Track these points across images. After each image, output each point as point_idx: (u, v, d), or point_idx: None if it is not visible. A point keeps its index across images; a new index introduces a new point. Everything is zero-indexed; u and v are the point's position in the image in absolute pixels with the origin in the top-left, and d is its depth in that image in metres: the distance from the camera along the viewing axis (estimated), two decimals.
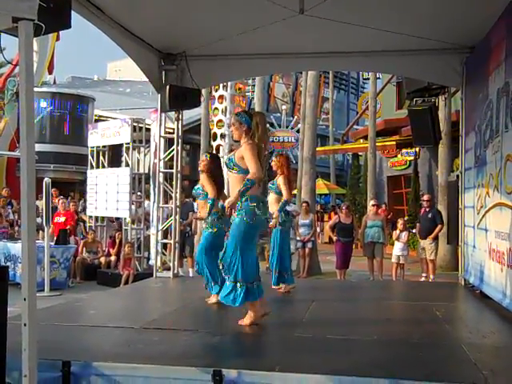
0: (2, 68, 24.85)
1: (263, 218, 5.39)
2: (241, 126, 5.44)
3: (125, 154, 13.52)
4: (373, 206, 12.72)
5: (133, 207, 13.14)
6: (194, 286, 7.61)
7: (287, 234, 7.84)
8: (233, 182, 5.39)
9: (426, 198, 12.71)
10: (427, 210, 12.35)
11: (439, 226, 12.00)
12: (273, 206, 7.45)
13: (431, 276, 11.92)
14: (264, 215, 5.39)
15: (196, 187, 7.06)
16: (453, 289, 8.66)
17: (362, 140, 25.78)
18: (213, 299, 6.73)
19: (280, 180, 7.40)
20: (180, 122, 9.45)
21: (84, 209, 15.46)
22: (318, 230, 24.13)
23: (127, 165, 13.42)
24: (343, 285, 10.28)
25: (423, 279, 12.03)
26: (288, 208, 7.82)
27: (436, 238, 12.05)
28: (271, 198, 7.50)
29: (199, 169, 6.94)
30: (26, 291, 3.39)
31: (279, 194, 7.45)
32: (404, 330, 5.58)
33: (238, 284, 5.33)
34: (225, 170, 6.12)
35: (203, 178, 6.76)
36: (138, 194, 13.69)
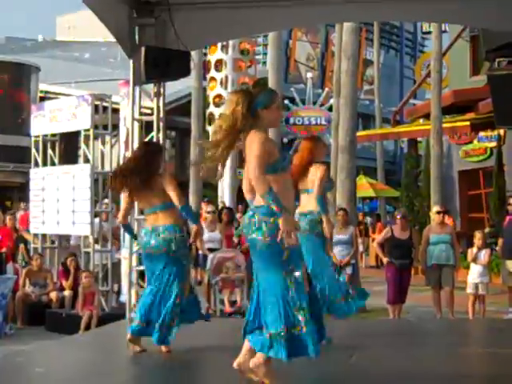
0: None
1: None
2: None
3: (83, 146, 13.55)
4: (438, 213, 12.68)
5: (97, 220, 13.15)
6: (183, 331, 7.61)
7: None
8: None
9: None
10: None
11: None
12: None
13: None
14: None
15: None
16: None
17: (421, 120, 25.73)
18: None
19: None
20: (161, 98, 9.47)
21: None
22: (361, 248, 24.13)
23: (87, 160, 13.43)
24: (398, 326, 10.26)
25: None
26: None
27: None
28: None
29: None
30: None
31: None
32: None
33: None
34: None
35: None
36: (106, 201, 13.71)
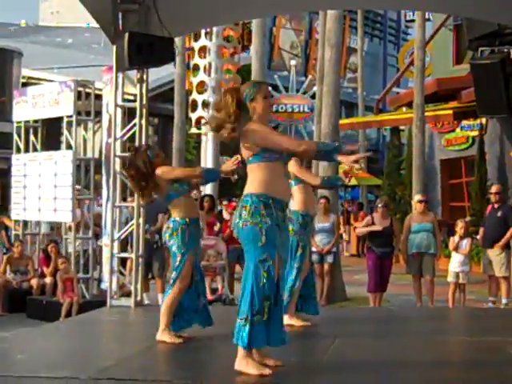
0: None
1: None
2: None
3: (66, 132, 13.50)
4: (419, 202, 12.73)
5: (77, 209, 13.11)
6: None
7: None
8: None
9: (494, 189, 12.72)
10: (496, 206, 12.36)
11: (511, 230, 12.06)
12: None
13: (503, 300, 11.97)
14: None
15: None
16: None
17: (404, 108, 25.74)
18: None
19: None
20: (145, 84, 9.45)
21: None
22: (345, 236, 24.18)
23: (69, 147, 13.39)
24: (378, 314, 10.30)
25: (491, 305, 12.06)
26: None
27: (508, 247, 12.07)
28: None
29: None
30: None
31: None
32: (466, 377, 5.61)
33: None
34: None
35: None
36: (77, 187, 13.62)
